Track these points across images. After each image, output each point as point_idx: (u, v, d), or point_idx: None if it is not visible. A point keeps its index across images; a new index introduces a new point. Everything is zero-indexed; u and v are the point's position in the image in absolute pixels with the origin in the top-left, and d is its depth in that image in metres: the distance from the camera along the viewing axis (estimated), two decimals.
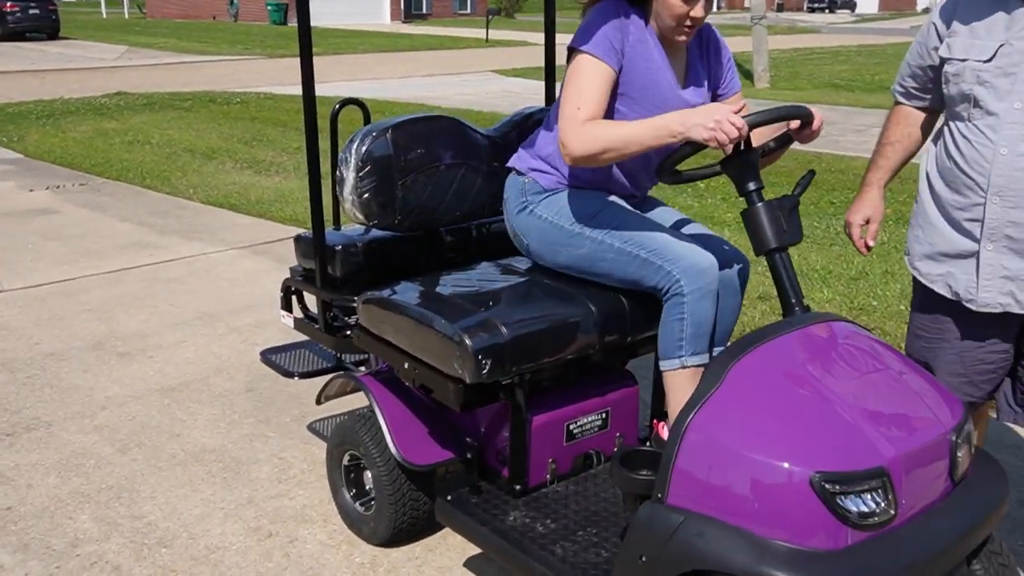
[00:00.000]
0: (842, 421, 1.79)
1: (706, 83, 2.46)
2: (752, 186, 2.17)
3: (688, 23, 2.24)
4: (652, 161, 2.43)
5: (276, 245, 6.10)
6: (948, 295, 2.23)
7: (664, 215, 2.61)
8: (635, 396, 2.69)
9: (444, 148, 2.71)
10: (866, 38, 31.88)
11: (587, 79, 2.23)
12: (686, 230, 2.57)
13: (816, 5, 66.79)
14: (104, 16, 40.79)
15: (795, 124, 2.21)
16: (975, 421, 2.38)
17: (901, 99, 2.41)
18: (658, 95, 2.34)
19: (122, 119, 11.45)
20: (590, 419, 2.59)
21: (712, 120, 2.01)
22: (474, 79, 17.03)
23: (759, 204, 2.16)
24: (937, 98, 2.32)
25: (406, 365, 2.45)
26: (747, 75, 15.72)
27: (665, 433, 2.54)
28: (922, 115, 2.40)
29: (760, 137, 2.29)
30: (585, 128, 2.17)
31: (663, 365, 2.36)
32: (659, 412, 2.81)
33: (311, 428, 3.49)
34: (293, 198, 7.31)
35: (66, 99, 13.25)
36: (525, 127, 2.90)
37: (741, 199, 2.17)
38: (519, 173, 2.56)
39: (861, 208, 2.48)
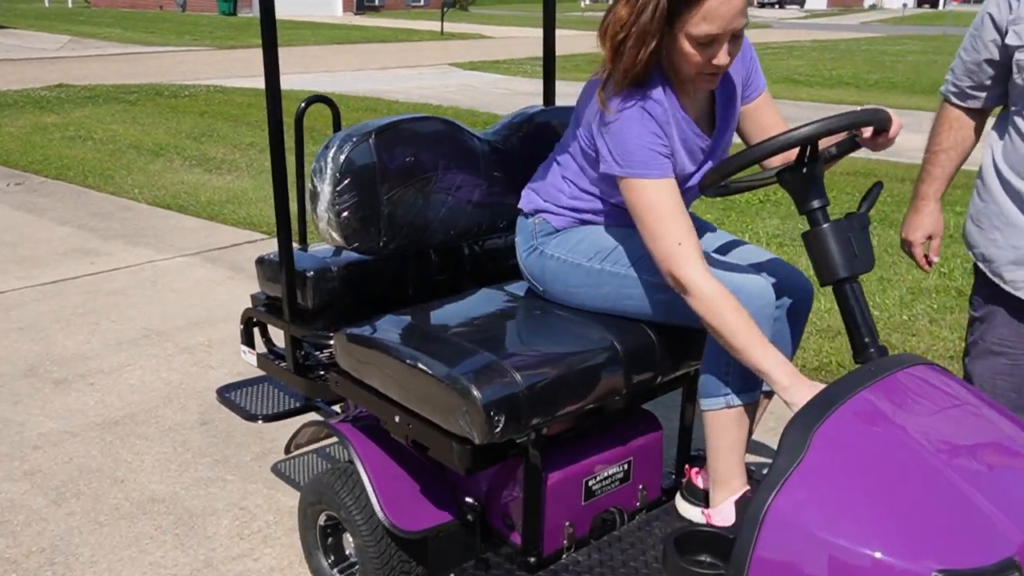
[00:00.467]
0: (959, 500, 1.47)
1: (734, 114, 2.14)
2: (817, 203, 1.85)
3: (710, 71, 1.90)
4: (692, 190, 2.09)
5: (230, 251, 5.64)
6: None
7: (709, 240, 2.27)
8: (659, 441, 2.34)
9: (437, 155, 2.31)
10: (817, 33, 32.01)
11: (663, 205, 1.90)
12: (736, 252, 2.23)
13: (766, 0, 67.28)
14: (47, 4, 39.36)
15: (868, 131, 1.88)
16: None
17: (956, 101, 2.21)
18: (692, 153, 2.06)
19: (63, 113, 10.80)
20: (611, 472, 2.23)
21: None
22: (431, 72, 16.58)
23: (825, 225, 1.83)
24: (994, 95, 2.14)
25: (396, 419, 2.06)
26: None
27: (700, 481, 2.22)
28: (974, 118, 2.21)
29: (823, 143, 1.94)
30: (715, 290, 1.84)
31: (705, 404, 2.06)
32: (686, 454, 2.48)
33: (276, 470, 3.09)
34: (247, 199, 6.83)
35: (3, 91, 12.51)
36: (528, 130, 2.51)
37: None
38: (527, 215, 2.25)
39: (921, 224, 2.27)
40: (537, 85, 14.50)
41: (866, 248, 1.84)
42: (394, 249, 2.27)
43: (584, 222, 2.19)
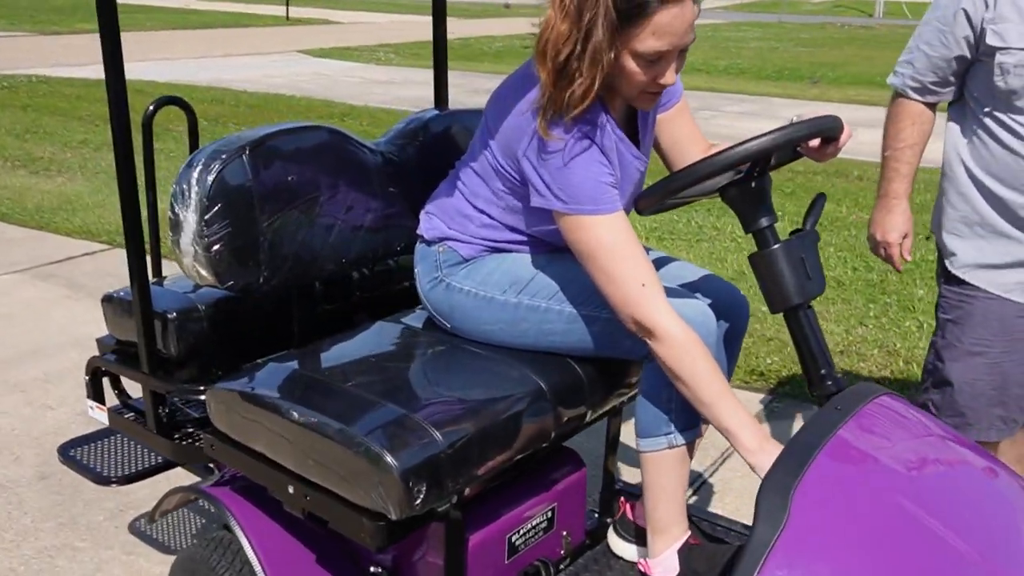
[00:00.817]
0: (953, 559, 1.36)
1: (653, 124, 1.95)
2: (765, 222, 1.68)
3: (653, 90, 1.69)
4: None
5: (65, 265, 5.04)
6: None
7: None
8: (583, 482, 2.12)
9: (323, 171, 1.97)
10: None
11: (619, 244, 1.67)
12: (665, 271, 2.02)
13: None
14: None
15: (815, 140, 1.71)
16: None
17: (915, 96, 2.14)
18: (629, 177, 1.84)
19: None
20: (535, 522, 1.99)
21: None
22: (280, 60, 15.82)
23: (776, 246, 1.65)
24: (955, 90, 2.11)
25: (290, 489, 1.73)
26: None
27: (632, 514, 2.05)
28: (932, 112, 2.18)
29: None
30: (686, 335, 1.64)
31: (644, 445, 1.84)
32: (610, 490, 2.28)
33: (136, 530, 2.67)
34: (82, 204, 6.17)
35: None
36: (425, 138, 2.20)
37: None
38: (429, 243, 1.96)
39: (897, 224, 2.23)
40: (394, 73, 14.09)
41: (817, 269, 1.69)
42: (276, 285, 1.92)
43: (496, 249, 1.93)
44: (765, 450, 1.56)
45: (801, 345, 1.66)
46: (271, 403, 1.72)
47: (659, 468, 1.83)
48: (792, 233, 1.69)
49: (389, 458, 1.54)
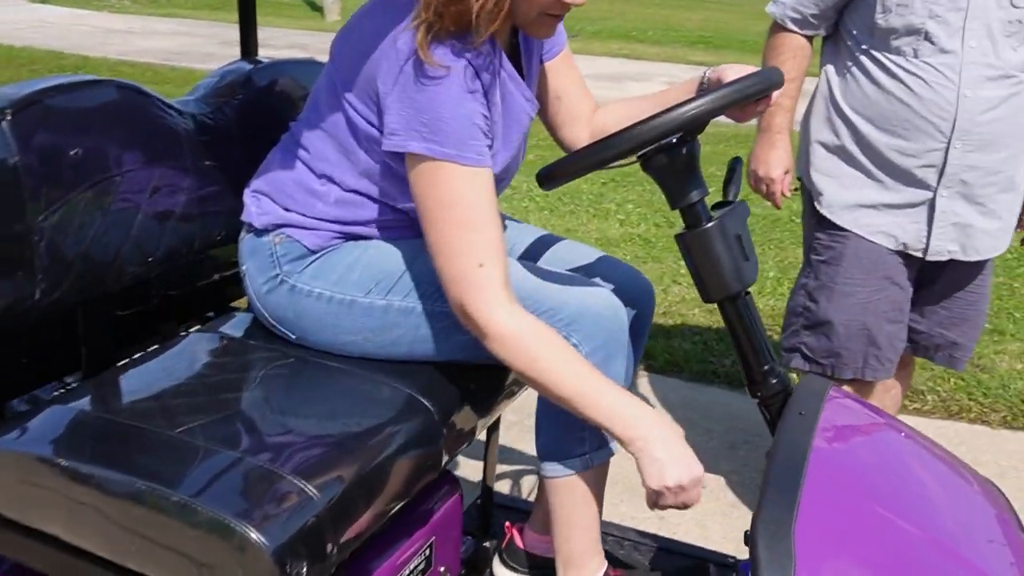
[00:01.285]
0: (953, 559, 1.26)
1: (536, 56, 1.65)
2: (695, 195, 1.41)
3: (557, 12, 1.40)
4: (507, 181, 1.56)
5: None
6: (891, 246, 2.06)
7: (517, 238, 1.75)
8: (459, 507, 1.80)
9: (118, 143, 1.47)
10: None
11: (471, 207, 1.37)
12: (552, 255, 1.74)
13: None
14: None
15: None
16: (904, 376, 2.33)
17: (793, 27, 2.08)
18: (517, 122, 1.54)
19: None
20: (413, 565, 1.66)
21: (679, 487, 1.34)
22: None
23: (710, 224, 1.40)
24: (831, 25, 2.08)
25: None
26: (314, 8, 14.61)
27: (521, 541, 1.78)
28: (811, 45, 2.13)
29: None
30: (525, 328, 1.37)
31: (550, 470, 1.56)
32: (487, 511, 2.01)
33: None
34: None
35: None
36: (246, 95, 1.74)
37: None
38: (259, 232, 1.53)
39: (781, 159, 2.15)
40: (132, 22, 12.72)
41: (752, 249, 1.46)
42: (59, 299, 1.41)
43: (352, 236, 1.54)
44: (642, 437, 1.34)
45: (740, 340, 1.43)
46: (66, 466, 1.26)
47: (570, 495, 1.55)
48: (716, 207, 1.45)
49: (255, 534, 1.15)
